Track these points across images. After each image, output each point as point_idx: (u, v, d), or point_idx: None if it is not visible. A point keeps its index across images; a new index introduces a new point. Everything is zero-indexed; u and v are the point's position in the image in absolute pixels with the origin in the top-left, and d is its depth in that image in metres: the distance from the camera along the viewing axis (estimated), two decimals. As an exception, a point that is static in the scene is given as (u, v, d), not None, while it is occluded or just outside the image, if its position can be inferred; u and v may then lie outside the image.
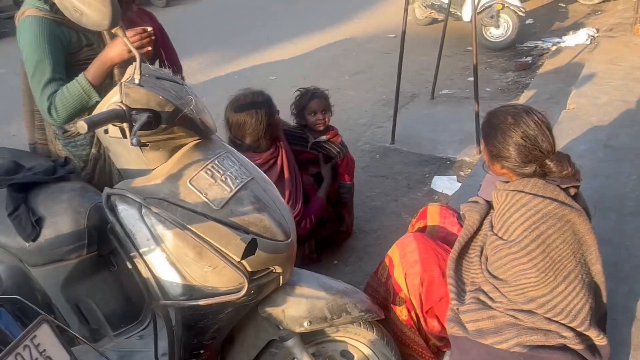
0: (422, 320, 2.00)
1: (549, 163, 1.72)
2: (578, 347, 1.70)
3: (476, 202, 1.98)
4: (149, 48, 1.85)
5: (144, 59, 1.45)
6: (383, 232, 3.24)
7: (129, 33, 1.77)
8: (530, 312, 1.72)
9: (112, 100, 1.38)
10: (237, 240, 1.44)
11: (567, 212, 1.70)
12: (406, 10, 4.19)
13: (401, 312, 2.01)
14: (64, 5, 1.39)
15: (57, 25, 1.87)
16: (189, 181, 1.47)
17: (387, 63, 6.39)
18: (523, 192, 1.73)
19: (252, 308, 1.62)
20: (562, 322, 1.70)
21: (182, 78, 2.42)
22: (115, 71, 2.01)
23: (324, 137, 2.90)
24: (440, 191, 3.64)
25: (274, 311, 1.63)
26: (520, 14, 6.44)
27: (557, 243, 1.68)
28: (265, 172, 1.80)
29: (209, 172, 1.51)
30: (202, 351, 1.62)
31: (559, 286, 1.68)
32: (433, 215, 2.21)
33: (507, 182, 1.82)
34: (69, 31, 1.91)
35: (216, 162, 1.55)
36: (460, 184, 3.64)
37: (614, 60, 5.23)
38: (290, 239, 1.58)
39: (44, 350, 1.18)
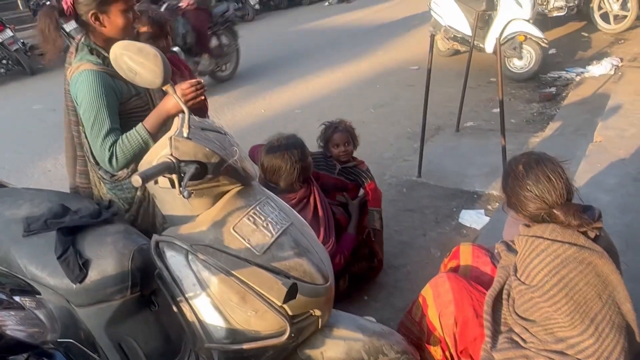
0: (456, 360, 2.02)
1: (556, 212, 1.75)
2: (612, 387, 1.70)
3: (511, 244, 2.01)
4: (202, 98, 1.95)
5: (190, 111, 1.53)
6: (412, 267, 3.26)
7: (184, 85, 1.89)
8: (562, 352, 1.73)
9: (162, 154, 1.46)
10: (278, 285, 1.49)
11: (587, 254, 1.71)
12: (432, 45, 4.26)
13: (436, 352, 2.03)
14: (119, 65, 1.49)
15: (110, 78, 1.97)
16: (233, 228, 1.53)
17: (410, 95, 6.46)
18: (542, 237, 1.76)
19: (292, 351, 1.66)
20: (595, 363, 1.70)
21: (208, 116, 2.51)
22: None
23: (351, 163, 3.07)
24: (469, 225, 3.65)
25: (313, 353, 1.67)
26: (543, 45, 6.47)
27: (580, 286, 1.70)
28: (299, 211, 1.86)
29: (251, 218, 1.57)
30: (242, 393, 1.66)
31: (589, 329, 1.69)
32: (466, 255, 2.23)
33: (528, 226, 1.84)
34: (120, 83, 2.01)
35: (257, 208, 1.61)
36: (488, 218, 3.65)
37: (640, 91, 5.23)
38: (329, 283, 1.63)
39: (99, 395, 1.24)
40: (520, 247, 1.83)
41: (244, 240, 1.52)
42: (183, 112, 1.48)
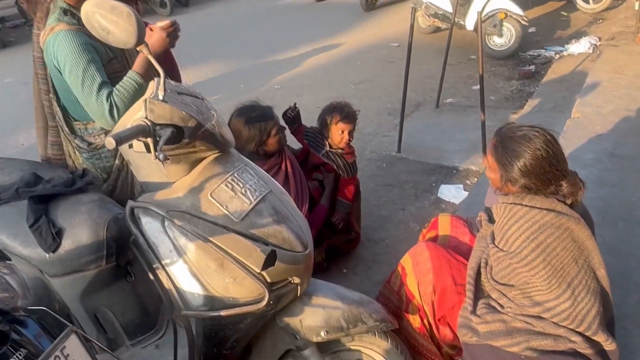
0: (434, 328, 2.03)
1: (564, 184, 1.75)
2: (588, 352, 1.72)
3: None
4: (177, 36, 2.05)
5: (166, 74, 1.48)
6: (391, 241, 3.27)
7: (164, 23, 1.98)
8: (538, 317, 1.75)
9: (137, 116, 1.41)
10: (257, 252, 1.47)
11: (564, 220, 1.73)
12: (413, 20, 4.23)
13: (414, 320, 2.04)
14: (91, 24, 1.43)
15: (88, 37, 1.91)
16: (210, 194, 1.50)
17: (390, 72, 6.44)
18: (521, 204, 1.77)
19: (271, 318, 1.65)
20: (569, 327, 1.73)
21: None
22: None
23: (339, 150, 2.96)
24: (447, 200, 3.67)
25: (292, 321, 1.66)
26: (523, 22, 6.48)
27: (557, 251, 1.72)
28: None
29: (229, 185, 1.54)
30: (221, 361, 1.65)
31: (565, 293, 1.71)
32: (444, 225, 2.24)
33: (506, 194, 1.84)
34: (97, 44, 1.95)
35: (236, 175, 1.58)
36: (466, 193, 3.67)
37: (618, 69, 5.28)
38: (308, 250, 1.61)
39: (73, 361, 1.21)
40: (498, 215, 1.83)
41: (222, 206, 1.49)
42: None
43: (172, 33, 2.02)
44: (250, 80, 6.60)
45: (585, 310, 1.72)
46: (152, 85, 1.51)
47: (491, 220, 1.97)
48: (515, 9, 6.43)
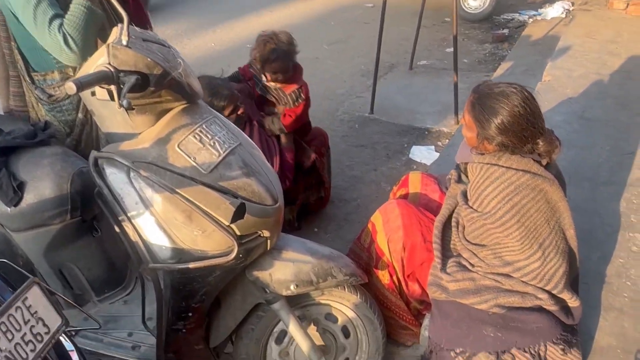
0: (403, 284, 2.06)
1: (540, 142, 1.74)
2: (553, 308, 1.77)
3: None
4: None
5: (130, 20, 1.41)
6: (362, 200, 3.28)
7: None
8: (507, 275, 1.78)
9: (99, 62, 1.35)
10: (226, 204, 1.44)
11: (539, 182, 1.74)
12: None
13: (383, 276, 2.06)
14: None
15: None
16: (177, 145, 1.46)
17: (364, 33, 6.36)
18: (497, 165, 1.76)
19: (240, 272, 1.63)
20: (538, 285, 1.77)
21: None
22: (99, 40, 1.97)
23: (272, 84, 2.74)
24: (419, 161, 3.68)
25: (261, 275, 1.65)
26: (498, -15, 6.45)
27: (531, 212, 1.73)
28: None
29: (197, 136, 1.50)
30: (189, 315, 1.63)
31: (536, 253, 1.74)
32: (415, 183, 2.24)
33: (482, 154, 1.82)
34: None
35: (204, 126, 1.54)
36: (438, 154, 3.69)
37: (589, 34, 5.31)
38: (278, 204, 1.59)
39: (36, 312, 1.18)
40: (473, 175, 1.82)
41: (190, 158, 1.45)
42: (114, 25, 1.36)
43: None
44: (221, 40, 6.44)
45: (554, 270, 1.75)
46: (115, 31, 1.44)
47: (460, 180, 1.98)
48: (491, -29, 6.39)
